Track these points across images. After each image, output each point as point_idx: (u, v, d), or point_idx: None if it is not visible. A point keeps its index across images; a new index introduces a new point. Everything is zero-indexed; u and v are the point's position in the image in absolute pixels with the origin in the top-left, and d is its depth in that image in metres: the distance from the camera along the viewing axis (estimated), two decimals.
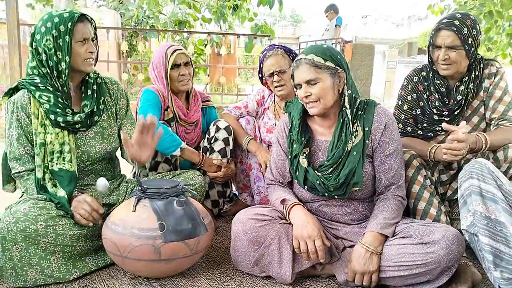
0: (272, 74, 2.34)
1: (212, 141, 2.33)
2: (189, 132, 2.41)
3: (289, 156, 1.79)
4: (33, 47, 1.74)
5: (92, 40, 1.79)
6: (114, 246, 1.59)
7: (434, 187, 1.87)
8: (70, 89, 1.79)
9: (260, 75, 2.47)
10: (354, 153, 1.67)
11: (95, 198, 1.75)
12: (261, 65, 2.42)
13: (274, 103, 2.52)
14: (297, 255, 1.69)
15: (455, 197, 1.97)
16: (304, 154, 1.74)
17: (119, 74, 6.90)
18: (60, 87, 1.75)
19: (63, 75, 1.73)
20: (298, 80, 1.68)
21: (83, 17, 1.75)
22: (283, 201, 1.75)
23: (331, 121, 1.75)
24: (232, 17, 8.14)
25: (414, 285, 1.60)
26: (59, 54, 1.71)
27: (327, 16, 7.99)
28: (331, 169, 1.69)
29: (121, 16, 8.29)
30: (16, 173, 1.75)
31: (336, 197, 1.70)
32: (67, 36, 1.69)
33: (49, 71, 1.73)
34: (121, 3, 8.98)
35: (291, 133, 1.79)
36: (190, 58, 2.34)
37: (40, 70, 1.74)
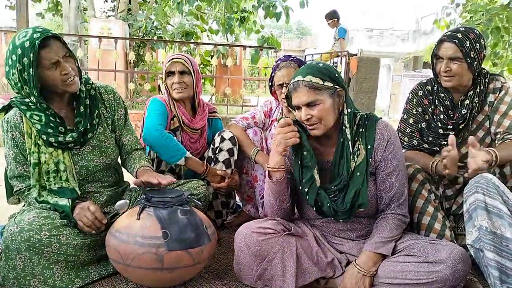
0: (281, 85, 2.35)
1: (216, 152, 2.34)
2: (194, 141, 2.42)
3: (301, 178, 1.70)
4: (6, 77, 1.67)
5: (67, 57, 1.68)
6: (118, 254, 1.59)
7: (439, 201, 1.86)
8: (59, 108, 1.75)
9: (270, 84, 2.48)
10: (358, 173, 1.63)
11: (103, 210, 1.75)
12: (273, 74, 2.43)
13: (282, 115, 2.52)
14: (300, 269, 1.67)
15: (460, 211, 1.96)
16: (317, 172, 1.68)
17: (126, 83, 6.95)
18: (47, 109, 1.69)
19: (38, 104, 1.66)
20: (297, 102, 1.63)
21: (46, 41, 1.61)
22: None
23: (331, 140, 1.72)
24: (238, 29, 8.22)
25: None
26: (26, 88, 1.62)
27: (328, 24, 7.85)
28: (337, 191, 1.67)
29: (129, 27, 8.39)
30: (17, 190, 1.75)
31: (341, 220, 1.69)
32: (31, 70, 1.58)
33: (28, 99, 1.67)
34: (129, 14, 9.09)
35: (300, 155, 1.71)
36: (188, 67, 2.31)
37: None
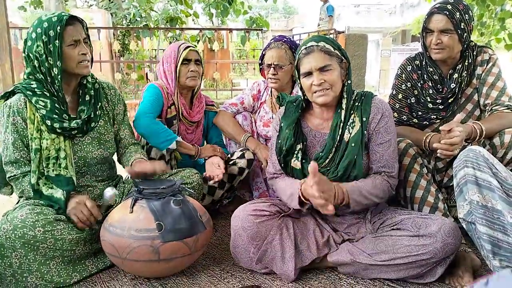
0: (270, 65, 2.33)
1: (229, 163, 2.34)
2: (190, 132, 2.42)
3: (279, 157, 1.77)
4: (26, 53, 1.73)
5: (85, 42, 1.77)
6: (113, 248, 1.59)
7: (431, 174, 1.87)
8: (64, 95, 1.78)
9: (260, 62, 2.47)
10: (353, 144, 1.66)
11: (96, 203, 1.75)
12: (263, 53, 2.43)
13: (271, 96, 2.51)
14: (298, 250, 1.69)
15: (452, 184, 1.97)
16: (299, 151, 1.72)
17: (112, 74, 6.86)
18: (55, 93, 1.74)
19: (56, 81, 1.72)
20: (309, 67, 1.63)
21: (72, 20, 1.73)
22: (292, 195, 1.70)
23: (330, 112, 1.75)
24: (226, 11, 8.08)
25: (410, 278, 1.61)
26: (50, 60, 1.69)
27: None
28: (327, 160, 1.69)
29: (112, 16, 8.23)
30: (11, 176, 1.73)
31: None
32: (57, 41, 1.68)
33: (43, 77, 1.72)
34: (111, 2, 8.91)
35: (281, 135, 1.77)
36: (201, 57, 2.36)
37: (35, 76, 1.73)
